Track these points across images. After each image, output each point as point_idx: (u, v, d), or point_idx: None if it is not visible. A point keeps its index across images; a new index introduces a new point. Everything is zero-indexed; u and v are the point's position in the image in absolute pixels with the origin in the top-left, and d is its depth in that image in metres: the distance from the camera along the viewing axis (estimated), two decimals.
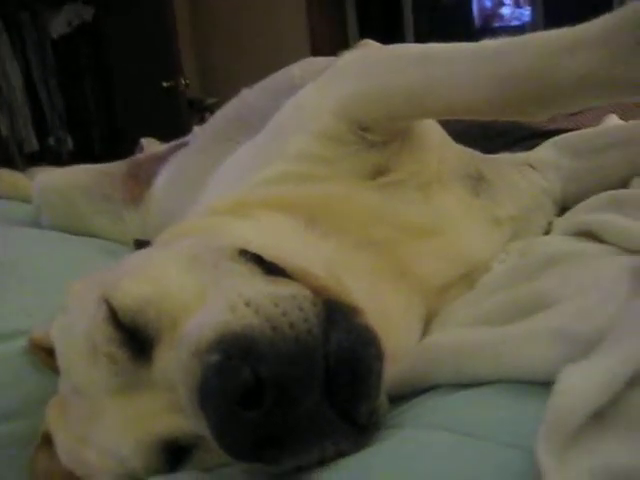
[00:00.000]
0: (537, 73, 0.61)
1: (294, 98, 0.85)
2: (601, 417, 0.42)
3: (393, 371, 0.57)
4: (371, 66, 0.78)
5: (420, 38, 4.10)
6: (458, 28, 5.00)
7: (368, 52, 0.83)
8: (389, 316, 0.64)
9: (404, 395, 0.58)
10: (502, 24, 5.10)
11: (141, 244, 0.89)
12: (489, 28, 5.09)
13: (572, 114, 2.26)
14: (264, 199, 0.73)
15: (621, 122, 1.08)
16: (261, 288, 0.49)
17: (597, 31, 0.59)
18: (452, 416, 0.49)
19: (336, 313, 0.48)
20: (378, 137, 0.75)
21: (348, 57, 0.83)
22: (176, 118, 3.56)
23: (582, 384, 0.40)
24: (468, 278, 0.75)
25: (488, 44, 0.68)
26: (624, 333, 0.43)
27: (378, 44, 0.86)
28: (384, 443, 0.48)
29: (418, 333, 0.68)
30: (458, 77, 0.68)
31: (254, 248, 0.59)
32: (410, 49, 0.78)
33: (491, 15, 5.24)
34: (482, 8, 5.23)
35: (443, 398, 0.53)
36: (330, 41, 3.90)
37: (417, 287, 0.70)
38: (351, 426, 0.47)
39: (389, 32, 4.24)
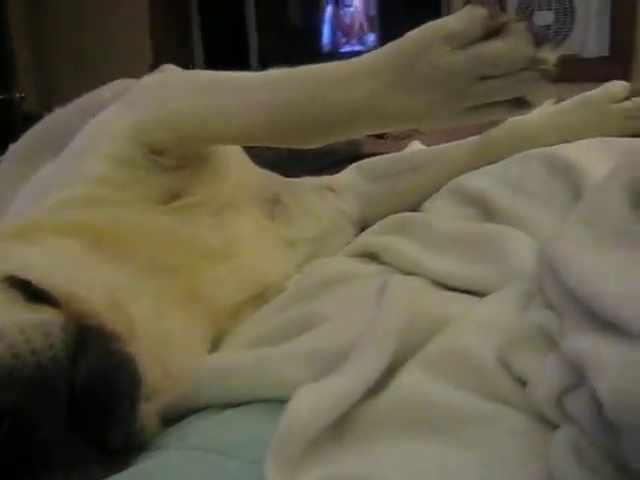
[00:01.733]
0: (310, 103, 0.65)
1: (94, 119, 0.85)
2: (339, 431, 0.45)
3: (170, 393, 0.58)
4: (164, 91, 0.79)
5: (266, 60, 4.15)
6: (306, 51, 5.10)
7: (165, 76, 0.84)
8: (171, 339, 0.65)
9: (180, 416, 0.59)
10: (350, 49, 5.28)
11: None
12: (337, 52, 5.24)
13: (401, 138, 2.38)
14: (53, 223, 0.72)
15: (422, 148, 1.15)
16: (12, 316, 0.49)
17: (366, 65, 0.63)
18: (213, 436, 0.51)
19: (90, 339, 0.48)
20: (171, 161, 0.76)
21: (146, 81, 0.84)
22: (9, 132, 3.40)
23: (313, 401, 0.43)
24: (261, 299, 0.77)
25: (273, 73, 0.71)
26: (359, 350, 0.46)
27: (177, 68, 0.87)
28: (138, 466, 0.49)
29: (203, 355, 0.69)
30: (241, 104, 0.70)
31: (29, 274, 0.58)
32: (203, 75, 0.79)
33: (339, 40, 5.41)
34: (332, 32, 5.38)
35: (210, 418, 0.54)
36: (175, 60, 3.86)
37: (206, 309, 0.71)
38: (103, 451, 0.47)
39: (235, 52, 4.26)
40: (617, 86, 0.92)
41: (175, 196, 0.78)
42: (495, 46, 0.55)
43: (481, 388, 0.45)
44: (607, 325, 0.36)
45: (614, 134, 0.88)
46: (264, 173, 0.91)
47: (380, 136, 2.55)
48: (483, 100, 0.59)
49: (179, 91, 0.76)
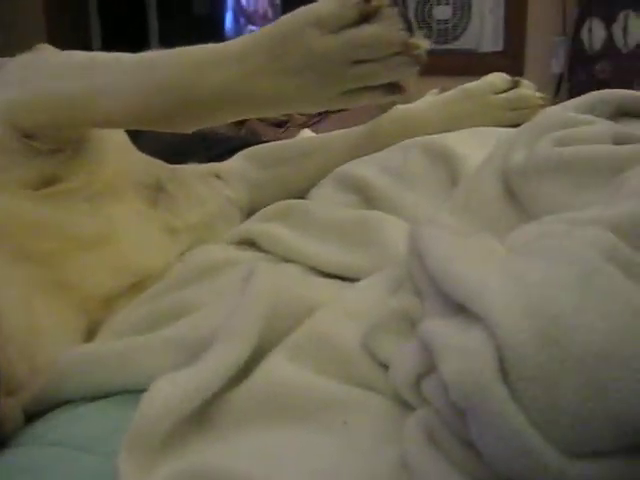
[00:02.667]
0: (180, 86, 0.63)
1: None
2: (201, 422, 0.44)
3: (35, 386, 0.55)
4: (37, 72, 0.75)
5: (168, 46, 4.06)
6: (209, 37, 5.03)
7: (38, 57, 0.79)
8: (40, 331, 0.62)
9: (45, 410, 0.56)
10: None
11: None
12: None
13: (302, 127, 2.37)
14: None
15: (312, 135, 1.15)
16: None
17: (237, 48, 0.62)
18: (71, 431, 0.49)
19: None
20: (45, 145, 0.73)
21: (18, 60, 0.79)
22: None
23: (169, 392, 0.41)
24: (140, 288, 0.75)
25: (148, 55, 0.69)
26: (221, 339, 0.45)
27: (53, 49, 0.83)
28: None
29: (74, 346, 0.66)
30: (115, 87, 0.67)
31: None
32: (77, 56, 0.76)
33: (243, 26, 5.37)
34: (235, 20, 5.33)
35: (71, 412, 0.52)
36: (71, 45, 3.73)
37: (78, 299, 0.68)
38: None
39: (134, 38, 4.16)
40: (498, 78, 0.94)
41: (50, 182, 0.74)
42: (368, 30, 0.55)
43: (345, 373, 0.45)
44: (458, 309, 0.36)
45: (496, 124, 0.90)
46: (147, 159, 0.89)
47: (280, 125, 2.54)
48: (357, 84, 0.58)
49: (50, 72, 0.73)
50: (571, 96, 2.31)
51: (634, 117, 0.72)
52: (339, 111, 2.93)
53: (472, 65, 2.70)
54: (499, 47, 2.73)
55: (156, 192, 0.84)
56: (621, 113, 0.72)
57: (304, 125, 2.59)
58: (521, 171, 0.61)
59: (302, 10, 0.58)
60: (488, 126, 0.89)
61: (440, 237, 0.45)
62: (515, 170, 0.62)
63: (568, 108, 0.69)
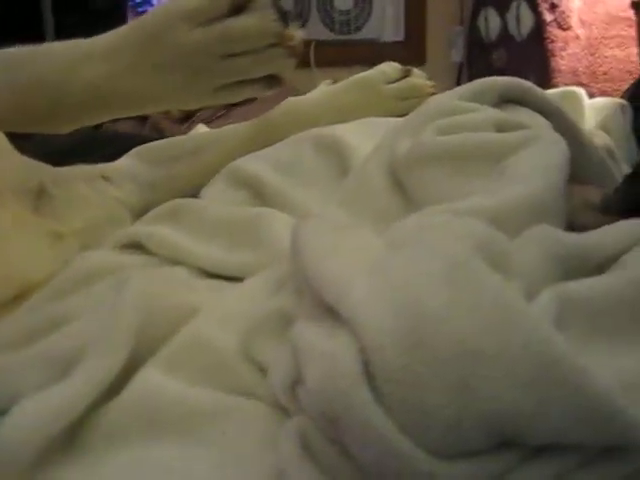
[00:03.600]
0: (50, 84, 0.59)
1: None
2: (70, 444, 0.41)
3: None
4: None
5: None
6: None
7: None
8: None
9: None
10: None
11: None
12: None
13: (208, 121, 2.31)
14: None
15: (206, 131, 1.12)
16: None
17: (106, 44, 0.59)
18: None
19: None
20: None
21: None
22: None
23: (33, 413, 0.38)
24: (22, 298, 0.70)
25: (14, 51, 0.65)
26: (90, 353, 0.43)
27: None
28: None
29: None
30: None
31: None
32: None
33: None
34: (136, 15, 5.21)
35: None
36: None
37: None
38: None
39: (28, 32, 4.00)
40: (390, 67, 0.94)
41: None
42: (240, 22, 0.53)
43: (223, 381, 0.43)
44: (327, 311, 0.35)
45: (388, 114, 0.90)
46: (28, 162, 0.84)
47: (184, 120, 2.49)
48: (232, 78, 0.56)
49: None
50: None
51: (517, 104, 0.72)
52: (245, 103, 2.90)
53: (374, 55, 2.71)
54: (400, 37, 2.75)
55: (38, 196, 0.80)
56: (505, 100, 0.72)
57: (209, 120, 2.55)
58: (406, 161, 0.60)
59: (171, 3, 0.55)
60: (380, 116, 0.89)
61: (319, 232, 0.44)
62: (400, 160, 0.61)
63: (454, 96, 0.69)
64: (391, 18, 2.77)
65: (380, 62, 2.76)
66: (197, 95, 0.58)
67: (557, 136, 0.58)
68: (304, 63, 2.86)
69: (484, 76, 2.35)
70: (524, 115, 0.68)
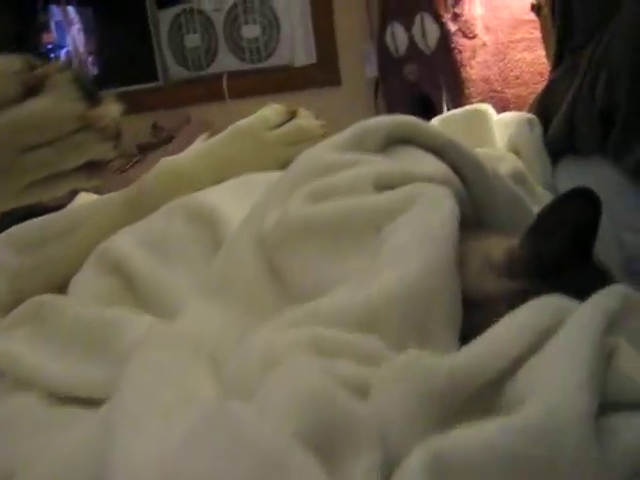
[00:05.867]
0: None
1: None
2: None
3: None
4: None
5: None
6: None
7: None
8: None
9: None
10: None
11: None
12: None
13: (122, 170, 2.20)
14: None
15: (85, 202, 1.00)
16: None
17: None
18: None
19: None
20: None
21: None
22: None
23: None
24: None
25: None
26: None
27: None
28: None
29: None
30: None
31: None
32: None
33: None
34: None
35: None
36: None
37: None
38: None
39: None
40: (272, 110, 0.85)
41: None
42: (33, 106, 0.43)
43: None
44: None
45: (277, 164, 0.81)
46: None
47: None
48: (41, 174, 0.46)
49: None
50: (388, 99, 2.30)
51: (407, 142, 0.64)
52: (163, 144, 2.78)
53: (288, 81, 2.65)
54: (312, 60, 2.68)
55: None
56: (393, 141, 0.64)
57: (120, 170, 2.42)
58: (273, 238, 0.51)
59: None
60: (267, 167, 0.79)
61: (138, 379, 0.34)
62: (268, 236, 0.52)
63: (330, 148, 0.60)
64: (301, 41, 2.70)
65: (295, 87, 2.68)
66: (6, 197, 0.48)
67: (442, 191, 0.49)
68: (218, 96, 2.76)
69: (399, 90, 2.28)
70: (411, 160, 0.60)
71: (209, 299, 0.54)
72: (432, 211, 0.45)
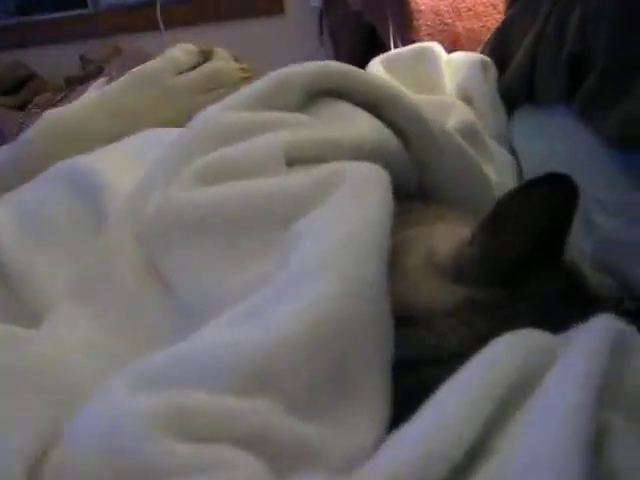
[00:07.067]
0: None
1: None
2: None
3: None
4: None
5: None
6: None
7: None
8: None
9: None
10: None
11: None
12: None
13: None
14: None
15: None
16: None
17: None
18: None
19: None
20: None
21: None
22: None
23: None
24: None
25: None
26: None
27: None
28: None
29: None
30: None
31: None
32: None
33: None
34: None
35: None
36: None
37: None
38: None
39: None
40: (183, 52, 0.71)
41: None
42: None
43: None
44: None
45: (185, 115, 0.67)
46: None
47: (21, 107, 2.21)
48: None
49: None
50: (332, 30, 2.14)
51: (337, 95, 0.52)
52: (88, 79, 2.59)
53: (229, 10, 2.47)
54: None
55: None
56: (319, 94, 0.52)
57: (48, 105, 2.24)
58: (153, 230, 0.39)
59: None
60: (175, 120, 0.66)
61: None
62: (147, 228, 0.40)
63: (236, 104, 0.48)
64: None
65: (235, 17, 2.49)
66: None
67: (370, 173, 0.37)
68: (152, 26, 2.56)
69: (344, 21, 2.09)
70: (338, 120, 0.48)
71: (79, 302, 0.42)
72: (355, 205, 0.33)
